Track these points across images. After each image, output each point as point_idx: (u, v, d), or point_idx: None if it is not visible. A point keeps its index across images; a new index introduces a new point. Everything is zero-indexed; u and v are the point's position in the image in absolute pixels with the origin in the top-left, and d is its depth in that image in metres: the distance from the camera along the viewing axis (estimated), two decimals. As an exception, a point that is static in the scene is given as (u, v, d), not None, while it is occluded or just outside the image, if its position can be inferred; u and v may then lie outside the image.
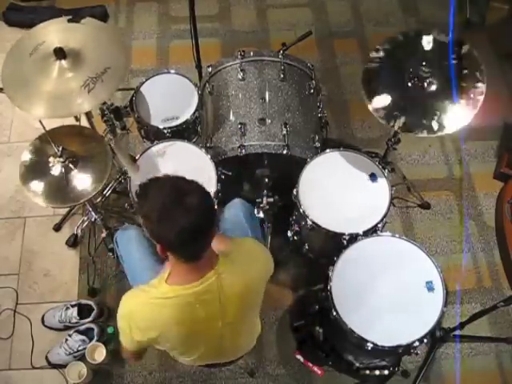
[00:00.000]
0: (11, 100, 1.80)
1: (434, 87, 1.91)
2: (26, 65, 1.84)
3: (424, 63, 1.90)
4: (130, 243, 1.86)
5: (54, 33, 1.92)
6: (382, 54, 1.98)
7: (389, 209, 1.92)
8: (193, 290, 1.28)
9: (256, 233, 1.91)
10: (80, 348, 2.18)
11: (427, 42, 1.96)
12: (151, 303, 1.32)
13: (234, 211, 1.91)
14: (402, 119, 1.87)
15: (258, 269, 1.43)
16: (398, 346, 1.68)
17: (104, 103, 2.22)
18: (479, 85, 1.87)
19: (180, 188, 1.20)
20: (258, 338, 1.71)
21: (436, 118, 1.85)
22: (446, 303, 1.72)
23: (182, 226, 1.16)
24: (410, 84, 1.92)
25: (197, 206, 1.17)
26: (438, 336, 2.15)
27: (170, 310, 1.30)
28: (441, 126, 1.84)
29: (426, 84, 1.90)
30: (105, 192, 2.44)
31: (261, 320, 1.69)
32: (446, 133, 1.85)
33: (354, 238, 1.86)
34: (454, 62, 1.92)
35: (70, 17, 1.94)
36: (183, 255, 1.25)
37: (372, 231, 1.90)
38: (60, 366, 2.20)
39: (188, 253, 1.25)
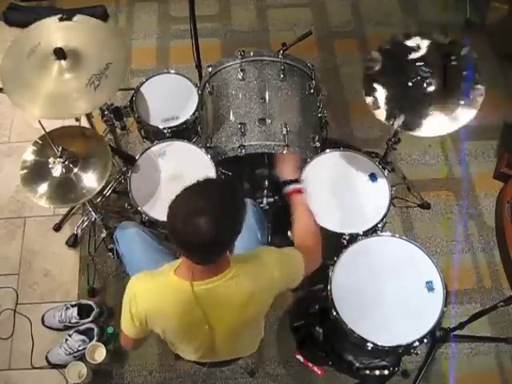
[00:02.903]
0: (12, 101, 1.80)
1: (433, 87, 1.91)
2: (24, 66, 1.83)
3: (424, 63, 1.90)
4: (131, 240, 1.86)
5: (49, 33, 1.92)
6: (382, 53, 1.99)
7: (389, 209, 1.92)
8: (196, 287, 1.29)
9: (264, 236, 1.91)
10: (80, 348, 2.18)
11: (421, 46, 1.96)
12: (156, 290, 1.34)
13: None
14: (402, 117, 1.87)
15: (266, 283, 1.39)
16: (398, 346, 1.68)
17: (104, 103, 2.22)
18: (478, 86, 1.88)
19: (195, 206, 1.18)
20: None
21: (435, 117, 1.86)
22: (445, 303, 1.72)
23: (189, 242, 1.19)
24: (410, 83, 1.92)
25: (206, 229, 1.15)
26: (437, 336, 2.15)
27: (171, 301, 1.32)
28: (440, 126, 1.85)
29: (425, 84, 1.90)
30: (105, 192, 2.44)
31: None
32: (445, 133, 1.85)
33: (354, 238, 1.86)
34: (453, 63, 1.92)
35: (61, 15, 1.93)
36: (190, 259, 1.27)
37: (372, 231, 1.90)
38: (60, 366, 2.20)
39: (194, 260, 1.26)
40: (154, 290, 1.34)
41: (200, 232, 1.15)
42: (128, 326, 1.41)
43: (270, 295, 1.42)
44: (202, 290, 1.30)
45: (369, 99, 1.90)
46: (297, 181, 1.69)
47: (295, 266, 1.47)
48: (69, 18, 1.93)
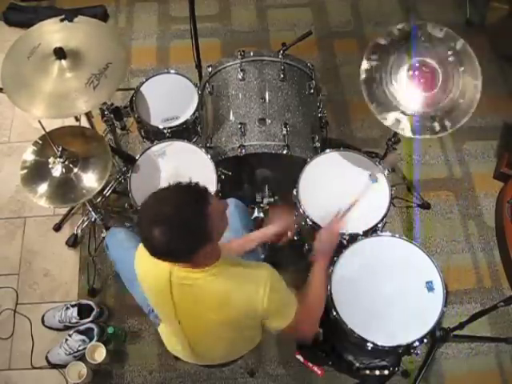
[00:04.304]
0: (12, 101, 1.80)
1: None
2: (24, 67, 1.83)
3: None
4: (121, 246, 1.86)
5: (49, 34, 1.92)
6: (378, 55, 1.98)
7: (389, 209, 1.92)
8: (174, 274, 1.32)
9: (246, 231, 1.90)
10: (80, 348, 2.18)
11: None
12: (147, 262, 1.34)
13: (229, 211, 1.90)
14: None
15: (249, 295, 1.33)
16: (398, 346, 1.68)
17: (104, 103, 2.22)
18: (476, 82, 1.87)
19: (154, 213, 1.21)
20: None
21: (437, 118, 1.86)
22: (445, 303, 1.72)
23: (152, 247, 1.21)
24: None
25: (159, 239, 1.17)
26: (437, 336, 2.15)
27: (153, 279, 1.39)
28: (442, 127, 1.85)
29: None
30: (105, 192, 2.44)
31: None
32: (447, 133, 1.85)
33: (353, 238, 1.86)
34: (450, 58, 1.91)
35: (62, 16, 1.94)
36: None
37: (372, 231, 1.90)
38: (60, 366, 2.20)
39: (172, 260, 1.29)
40: (146, 262, 1.35)
41: (156, 241, 1.18)
42: None
43: (248, 311, 1.35)
44: (179, 278, 1.31)
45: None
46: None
47: (287, 306, 1.40)
48: (70, 20, 1.93)
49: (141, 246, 1.40)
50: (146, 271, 1.43)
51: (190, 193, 1.23)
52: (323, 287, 1.59)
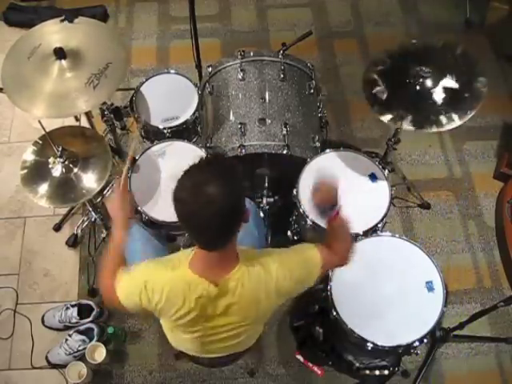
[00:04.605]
0: (12, 101, 1.80)
1: (434, 85, 1.92)
2: (25, 68, 1.84)
3: (423, 64, 1.91)
4: (130, 237, 1.86)
5: (49, 34, 1.93)
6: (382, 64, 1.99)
7: (389, 209, 1.92)
8: (208, 288, 1.29)
9: (261, 232, 1.91)
10: (80, 348, 2.18)
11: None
12: (171, 284, 1.32)
13: None
14: (409, 118, 1.87)
15: (270, 290, 1.34)
16: (398, 346, 1.68)
17: (104, 103, 2.23)
18: (481, 79, 1.89)
19: (199, 178, 1.17)
20: (258, 338, 1.71)
21: (443, 112, 1.86)
22: (445, 303, 1.72)
23: (204, 213, 1.16)
24: (411, 83, 1.93)
25: (217, 194, 1.14)
26: (437, 336, 2.15)
27: (182, 295, 1.31)
28: (449, 120, 1.85)
29: (426, 82, 1.91)
30: (105, 192, 2.44)
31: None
32: (454, 126, 1.85)
33: (353, 238, 1.86)
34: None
35: (63, 17, 1.94)
36: (202, 244, 1.26)
37: (372, 231, 1.90)
38: (60, 366, 2.20)
39: (206, 244, 1.25)
40: (170, 284, 1.32)
41: (213, 198, 1.13)
42: (130, 304, 1.38)
43: (273, 301, 1.39)
44: (214, 291, 1.29)
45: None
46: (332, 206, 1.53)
47: (305, 268, 1.40)
48: (70, 21, 1.93)
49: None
50: (172, 295, 1.33)
51: (220, 157, 1.30)
52: (347, 236, 1.50)
